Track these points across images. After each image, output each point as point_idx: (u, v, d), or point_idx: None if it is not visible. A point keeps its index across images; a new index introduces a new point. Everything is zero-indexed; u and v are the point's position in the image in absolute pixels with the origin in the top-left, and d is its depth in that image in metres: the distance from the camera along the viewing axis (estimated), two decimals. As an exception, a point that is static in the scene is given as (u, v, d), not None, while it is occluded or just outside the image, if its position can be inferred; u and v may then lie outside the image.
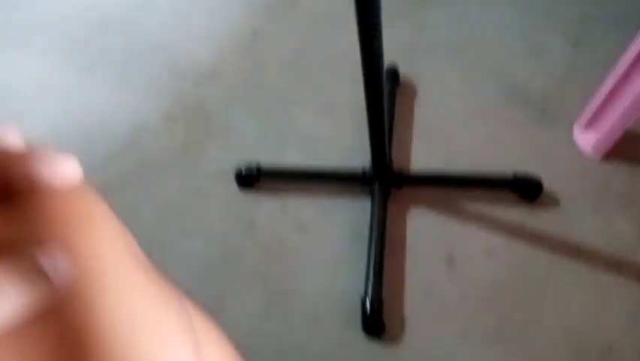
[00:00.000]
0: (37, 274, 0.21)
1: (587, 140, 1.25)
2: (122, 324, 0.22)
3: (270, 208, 1.23)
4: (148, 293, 0.25)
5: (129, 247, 0.26)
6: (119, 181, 1.32)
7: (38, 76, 1.56)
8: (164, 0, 1.68)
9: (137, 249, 0.27)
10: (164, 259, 1.17)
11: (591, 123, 1.24)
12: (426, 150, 1.29)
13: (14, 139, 0.26)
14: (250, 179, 1.26)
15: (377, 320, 1.01)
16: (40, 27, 1.67)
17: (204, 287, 1.12)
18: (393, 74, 1.39)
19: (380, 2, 0.75)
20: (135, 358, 0.22)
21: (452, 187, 1.21)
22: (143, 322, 0.23)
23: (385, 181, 1.18)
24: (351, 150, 1.31)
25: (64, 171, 0.24)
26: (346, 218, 1.19)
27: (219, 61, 1.53)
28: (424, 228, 1.16)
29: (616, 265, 1.07)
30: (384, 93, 0.97)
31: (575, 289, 1.05)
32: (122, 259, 0.24)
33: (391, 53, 1.37)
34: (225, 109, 1.43)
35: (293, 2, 1.60)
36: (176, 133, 1.40)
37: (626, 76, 1.11)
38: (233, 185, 1.27)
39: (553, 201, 1.17)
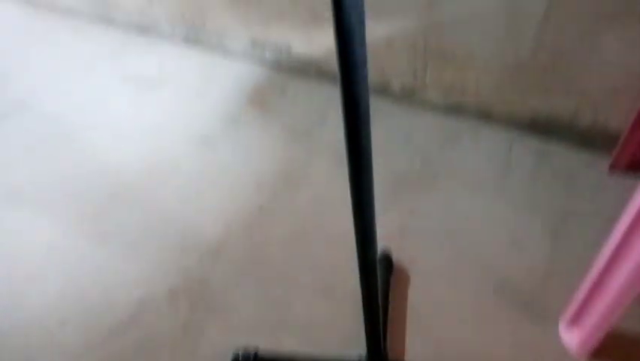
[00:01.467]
0: None
1: (571, 338, 1.27)
2: None
3: (264, 397, 1.24)
4: None
5: None
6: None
7: (50, 243, 1.62)
8: (178, 172, 1.81)
9: None
10: None
11: (575, 320, 1.26)
12: (419, 341, 1.32)
13: None
14: (247, 366, 1.29)
15: None
16: (54, 193, 1.77)
17: None
18: (387, 260, 1.47)
19: (372, 180, 0.78)
20: None
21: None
22: None
23: (380, 373, 1.21)
24: (348, 337, 1.35)
25: None
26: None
27: (225, 236, 1.61)
28: None
29: None
30: (378, 281, 0.99)
31: None
32: None
33: (383, 238, 1.45)
34: (226, 288, 1.49)
35: (296, 183, 1.73)
36: (177, 310, 1.45)
37: (605, 273, 1.12)
38: (230, 371, 1.30)
39: (542, 402, 1.19)
